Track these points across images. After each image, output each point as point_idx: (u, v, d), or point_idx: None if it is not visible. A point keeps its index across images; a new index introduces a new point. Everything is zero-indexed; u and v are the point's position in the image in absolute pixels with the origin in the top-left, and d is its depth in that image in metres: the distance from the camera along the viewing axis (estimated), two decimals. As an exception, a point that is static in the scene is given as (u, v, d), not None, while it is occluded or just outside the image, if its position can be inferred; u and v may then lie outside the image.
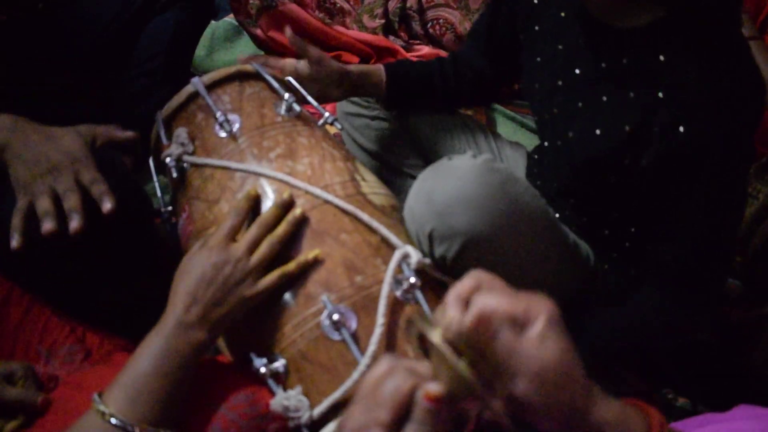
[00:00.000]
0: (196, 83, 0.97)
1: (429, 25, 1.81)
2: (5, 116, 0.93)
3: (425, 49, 1.80)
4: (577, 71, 0.96)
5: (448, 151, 1.27)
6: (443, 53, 1.78)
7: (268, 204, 0.85)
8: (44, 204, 0.86)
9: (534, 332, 0.53)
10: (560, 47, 0.99)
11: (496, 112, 1.77)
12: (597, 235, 1.05)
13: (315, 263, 0.80)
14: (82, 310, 1.02)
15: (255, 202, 0.84)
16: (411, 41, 1.82)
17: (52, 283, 1.01)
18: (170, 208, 1.00)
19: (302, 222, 0.83)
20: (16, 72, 1.24)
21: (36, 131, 0.92)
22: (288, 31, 1.05)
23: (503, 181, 0.85)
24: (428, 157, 1.29)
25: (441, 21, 1.80)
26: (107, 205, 0.87)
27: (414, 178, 1.30)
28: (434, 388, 0.48)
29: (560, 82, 1.00)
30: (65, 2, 1.34)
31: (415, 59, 1.75)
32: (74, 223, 0.85)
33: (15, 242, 0.84)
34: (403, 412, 0.49)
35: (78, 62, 1.32)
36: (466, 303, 0.57)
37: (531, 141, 1.66)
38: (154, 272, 1.09)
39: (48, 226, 0.84)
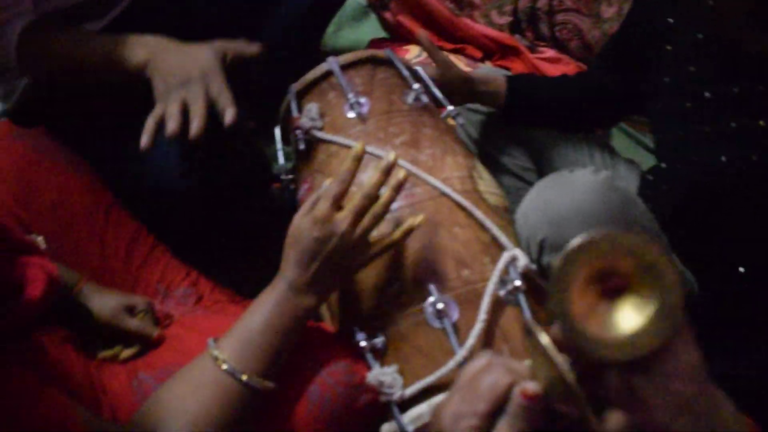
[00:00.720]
0: (332, 63, 1.02)
1: (557, 28, 1.80)
2: (149, 36, 1.02)
3: (549, 52, 1.78)
4: (707, 95, 0.94)
5: (561, 159, 1.27)
6: (567, 59, 1.77)
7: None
8: (172, 109, 0.93)
9: None
10: (692, 69, 0.97)
11: (612, 124, 1.75)
12: (703, 268, 1.03)
13: (426, 251, 0.83)
14: (198, 257, 1.10)
15: (359, 162, 0.82)
16: (536, 42, 1.81)
17: (175, 227, 1.09)
18: (291, 176, 1.05)
19: (418, 210, 0.86)
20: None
21: (174, 47, 1.01)
22: (422, 32, 1.08)
23: (623, 201, 0.85)
24: (540, 161, 1.30)
25: (570, 26, 1.78)
26: (228, 117, 0.93)
27: (521, 179, 1.31)
28: (532, 386, 0.49)
29: (688, 104, 0.98)
30: None
31: (537, 60, 1.76)
32: (194, 130, 0.91)
33: (144, 141, 0.91)
34: (499, 405, 0.50)
35: (213, 26, 1.39)
36: None
37: (645, 159, 1.63)
38: (265, 232, 1.16)
39: (171, 126, 0.91)
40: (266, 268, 1.00)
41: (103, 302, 0.91)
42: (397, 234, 0.81)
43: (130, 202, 1.08)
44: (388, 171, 0.80)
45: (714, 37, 0.93)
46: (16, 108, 1.18)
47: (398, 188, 0.80)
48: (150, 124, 0.93)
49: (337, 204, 0.79)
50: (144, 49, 1.01)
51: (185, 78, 0.96)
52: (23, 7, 1.05)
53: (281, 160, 1.08)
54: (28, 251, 0.63)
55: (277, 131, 1.11)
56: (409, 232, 0.80)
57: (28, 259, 0.62)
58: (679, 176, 1.01)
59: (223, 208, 1.08)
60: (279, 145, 1.10)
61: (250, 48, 1.04)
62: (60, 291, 0.68)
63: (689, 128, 0.98)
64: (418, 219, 0.80)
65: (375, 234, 0.81)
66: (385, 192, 0.80)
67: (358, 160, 0.81)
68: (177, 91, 0.95)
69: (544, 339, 0.50)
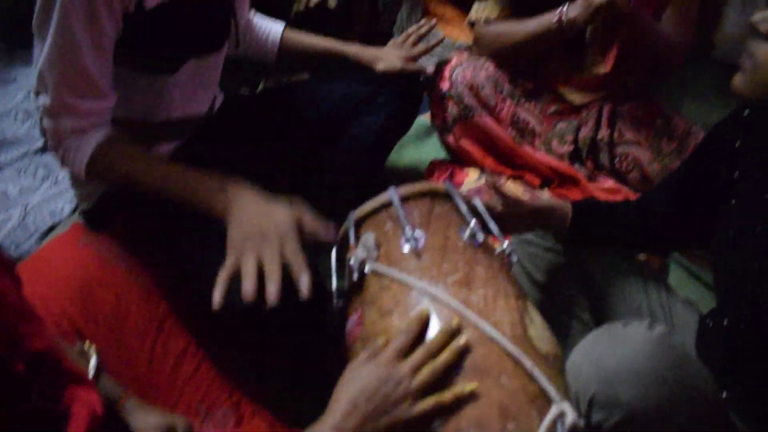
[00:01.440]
0: (393, 195, 1.04)
1: (617, 159, 1.81)
2: (234, 181, 1.05)
3: (608, 183, 1.79)
4: None
5: (616, 298, 1.25)
6: (626, 190, 1.76)
7: (436, 328, 0.88)
8: (249, 266, 0.94)
9: None
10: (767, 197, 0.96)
11: (671, 258, 1.72)
12: (762, 430, 0.98)
13: (471, 398, 0.81)
14: (242, 376, 1.10)
15: (425, 324, 0.88)
16: (596, 172, 1.82)
17: (224, 342, 1.10)
18: (341, 302, 1.06)
19: (466, 354, 0.85)
20: (236, 141, 1.37)
21: (254, 199, 1.03)
22: (493, 182, 1.12)
23: (677, 361, 0.83)
24: (595, 300, 1.28)
25: (630, 158, 1.79)
26: (304, 288, 0.94)
27: (575, 317, 1.29)
28: None
29: (758, 229, 0.95)
30: (293, 88, 1.49)
31: (596, 190, 1.76)
32: (271, 296, 0.92)
33: (216, 298, 0.92)
34: None
35: (292, 142, 1.44)
36: None
37: (703, 296, 1.59)
38: (311, 356, 1.16)
39: (248, 288, 0.92)
40: (308, 394, 1.00)
41: (145, 420, 0.91)
42: (447, 397, 0.81)
43: (187, 309, 1.10)
44: (452, 335, 0.85)
45: None
46: (91, 208, 1.22)
47: (457, 353, 0.84)
48: (222, 280, 0.94)
49: (401, 356, 0.84)
50: (224, 195, 1.02)
51: (261, 235, 0.97)
52: (105, 118, 1.09)
53: (334, 284, 1.09)
54: (76, 381, 0.65)
55: (334, 254, 1.12)
56: (460, 396, 0.81)
57: (75, 391, 0.63)
58: (740, 333, 0.97)
59: (273, 327, 1.09)
60: (333, 267, 1.11)
61: (324, 236, 1.04)
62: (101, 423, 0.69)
63: (758, 285, 0.95)
64: (469, 387, 0.81)
65: None
66: (445, 353, 0.83)
67: (423, 322, 0.87)
68: (252, 242, 0.96)
69: None
